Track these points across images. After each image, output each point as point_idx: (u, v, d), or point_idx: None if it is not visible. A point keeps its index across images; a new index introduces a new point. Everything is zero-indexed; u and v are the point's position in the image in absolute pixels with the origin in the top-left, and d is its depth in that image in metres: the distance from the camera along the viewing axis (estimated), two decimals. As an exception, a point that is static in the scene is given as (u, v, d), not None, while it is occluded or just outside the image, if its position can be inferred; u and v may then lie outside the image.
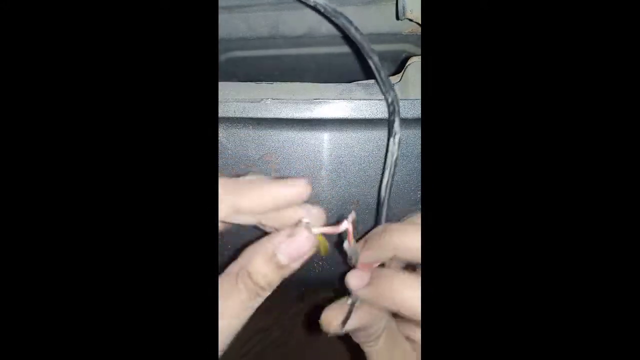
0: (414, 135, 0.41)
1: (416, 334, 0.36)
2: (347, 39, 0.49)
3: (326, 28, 0.47)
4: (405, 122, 0.39)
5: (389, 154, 0.38)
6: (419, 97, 0.39)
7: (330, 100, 0.40)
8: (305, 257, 0.30)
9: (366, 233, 0.37)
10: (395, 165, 0.38)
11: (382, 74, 0.37)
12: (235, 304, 0.29)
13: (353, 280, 0.33)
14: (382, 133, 0.42)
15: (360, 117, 0.40)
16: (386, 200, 0.38)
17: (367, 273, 0.33)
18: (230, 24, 0.47)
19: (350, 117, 0.40)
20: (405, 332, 0.36)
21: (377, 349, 0.35)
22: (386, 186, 0.38)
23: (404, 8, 0.39)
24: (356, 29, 0.36)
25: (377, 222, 0.39)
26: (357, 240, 0.36)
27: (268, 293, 0.30)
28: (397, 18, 0.42)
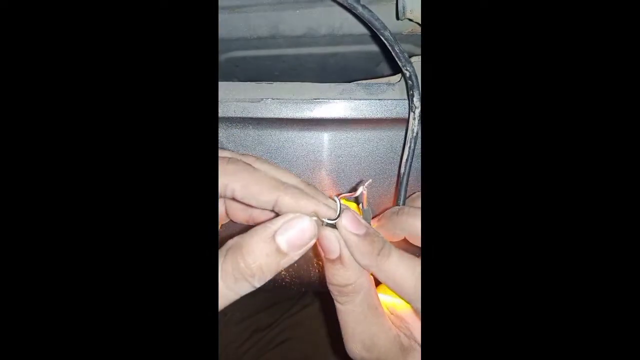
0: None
1: (409, 324, 0.35)
2: (347, 38, 0.49)
3: (326, 28, 0.47)
4: (404, 121, 0.39)
5: (409, 130, 0.38)
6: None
7: (330, 100, 0.40)
8: (306, 247, 0.28)
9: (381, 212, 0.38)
10: (416, 142, 0.38)
11: (397, 48, 0.36)
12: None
13: (348, 222, 0.30)
14: (382, 133, 0.42)
15: (360, 117, 0.40)
16: (406, 177, 0.38)
17: (362, 224, 0.31)
18: (230, 24, 0.47)
19: (350, 117, 0.40)
20: (397, 323, 0.35)
21: (350, 308, 0.32)
22: (406, 162, 0.38)
23: (404, 8, 0.39)
24: (363, 7, 0.36)
25: (397, 199, 0.39)
26: (374, 217, 0.38)
27: (257, 282, 0.27)
28: (397, 18, 0.42)
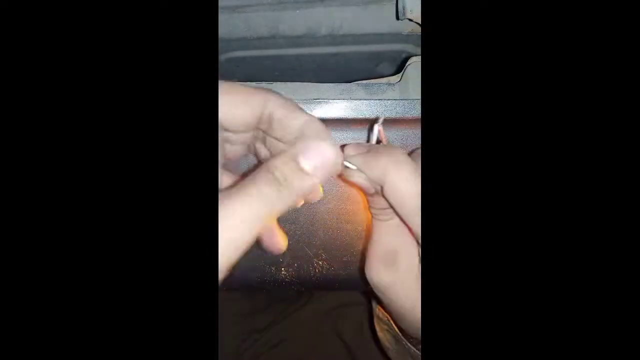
0: (414, 135, 0.41)
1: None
2: (347, 38, 0.49)
3: (326, 28, 0.47)
4: (404, 121, 0.39)
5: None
6: (419, 97, 0.39)
7: (330, 100, 0.40)
8: (331, 169, 0.29)
9: None
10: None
11: None
12: (253, 202, 0.25)
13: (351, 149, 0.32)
14: (382, 133, 0.42)
15: (360, 117, 0.40)
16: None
17: (362, 145, 0.33)
18: (230, 24, 0.47)
19: (350, 117, 0.40)
20: None
21: (389, 223, 0.33)
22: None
23: (404, 8, 0.39)
24: None
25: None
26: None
27: (289, 199, 0.26)
28: (397, 18, 0.42)
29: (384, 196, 0.31)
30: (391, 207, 0.32)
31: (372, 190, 0.32)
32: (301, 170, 0.27)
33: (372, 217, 0.35)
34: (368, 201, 0.34)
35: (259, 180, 0.26)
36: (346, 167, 0.32)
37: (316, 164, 0.28)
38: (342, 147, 0.32)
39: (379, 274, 0.33)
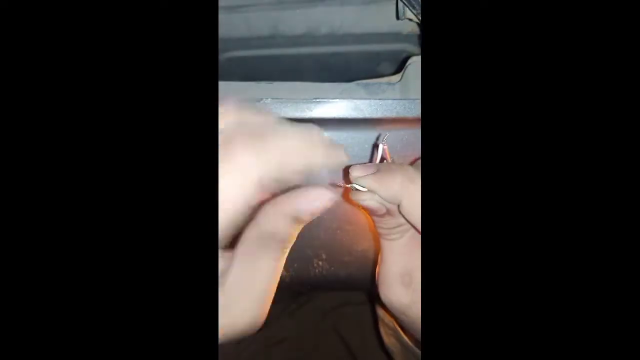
0: (414, 135, 0.41)
1: None
2: (347, 38, 0.49)
3: (326, 28, 0.47)
4: (404, 121, 0.39)
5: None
6: (419, 97, 0.39)
7: (330, 100, 0.40)
8: (327, 205, 0.28)
9: None
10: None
11: None
12: (267, 264, 0.28)
13: (357, 170, 0.31)
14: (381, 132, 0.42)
15: (360, 117, 0.40)
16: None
17: (370, 165, 0.32)
18: (230, 24, 0.47)
19: (350, 117, 0.40)
20: None
21: (400, 242, 0.32)
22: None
23: (404, 8, 0.39)
24: None
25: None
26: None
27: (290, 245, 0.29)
28: (397, 18, 0.42)
29: (401, 213, 0.30)
30: (409, 224, 0.31)
31: (383, 211, 0.31)
32: (300, 222, 0.27)
33: (381, 237, 0.34)
34: (375, 222, 0.33)
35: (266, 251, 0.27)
36: (355, 190, 0.31)
37: (313, 209, 0.27)
38: (347, 168, 0.32)
39: (397, 296, 0.33)
